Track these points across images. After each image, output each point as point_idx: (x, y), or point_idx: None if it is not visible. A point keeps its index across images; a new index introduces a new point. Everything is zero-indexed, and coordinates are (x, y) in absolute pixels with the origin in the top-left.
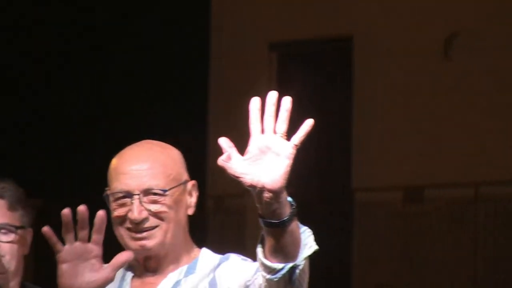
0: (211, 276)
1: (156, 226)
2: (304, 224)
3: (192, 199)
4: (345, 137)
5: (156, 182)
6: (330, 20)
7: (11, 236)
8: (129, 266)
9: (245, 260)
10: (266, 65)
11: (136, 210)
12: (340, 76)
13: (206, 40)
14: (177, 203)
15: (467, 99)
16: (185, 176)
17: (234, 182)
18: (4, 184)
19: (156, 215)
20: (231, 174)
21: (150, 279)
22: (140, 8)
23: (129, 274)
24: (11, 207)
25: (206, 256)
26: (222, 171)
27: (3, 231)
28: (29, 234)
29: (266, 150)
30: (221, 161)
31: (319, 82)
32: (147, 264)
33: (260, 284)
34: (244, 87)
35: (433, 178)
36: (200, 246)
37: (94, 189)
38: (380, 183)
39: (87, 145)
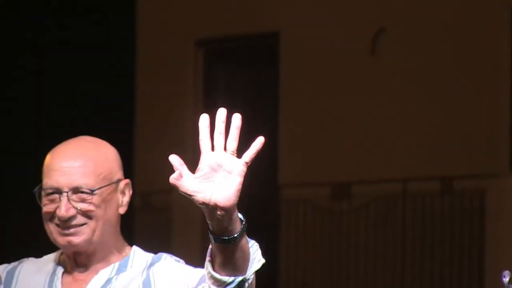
0: (144, 275)
1: (83, 224)
2: None
3: (125, 198)
4: (272, 133)
5: (85, 181)
6: (257, 16)
7: None
8: (60, 262)
9: (179, 261)
10: (193, 62)
11: (64, 207)
12: (266, 73)
13: (132, 37)
14: (106, 202)
15: (395, 96)
16: (118, 175)
17: (160, 178)
18: None
19: (84, 213)
20: (183, 192)
21: (80, 276)
22: (67, 3)
23: (60, 269)
24: None
25: (137, 254)
26: (148, 167)
27: None
28: None
29: (217, 167)
30: (172, 179)
31: (246, 78)
32: (77, 260)
33: None
34: (172, 84)
35: (361, 175)
36: (128, 243)
37: (31, 186)
38: (307, 179)
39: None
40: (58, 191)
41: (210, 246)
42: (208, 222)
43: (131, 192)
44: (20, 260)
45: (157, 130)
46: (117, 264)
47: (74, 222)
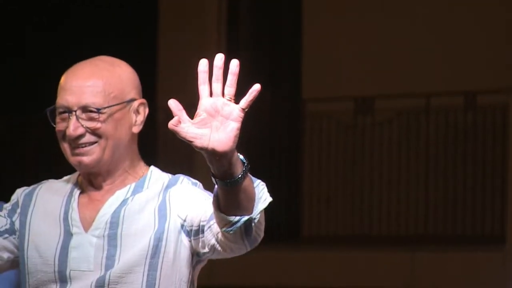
0: (160, 198)
1: (94, 143)
2: (255, 134)
3: (139, 118)
4: (295, 49)
5: (93, 100)
6: None
7: None
8: (77, 183)
9: (195, 184)
10: None
11: (72, 126)
12: None
13: None
14: (117, 121)
15: (420, 13)
16: (131, 94)
17: (184, 92)
18: None
19: (93, 132)
20: (182, 138)
21: (97, 196)
22: None
23: (77, 190)
24: None
25: (154, 175)
26: (172, 81)
27: None
28: None
29: (214, 113)
30: (171, 125)
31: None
32: (92, 181)
33: (218, 232)
34: (195, 19)
35: (384, 89)
36: (150, 158)
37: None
38: (331, 93)
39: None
40: (68, 110)
41: (214, 187)
42: (209, 165)
43: (146, 111)
44: (40, 183)
45: (180, 43)
46: (133, 185)
47: (83, 141)
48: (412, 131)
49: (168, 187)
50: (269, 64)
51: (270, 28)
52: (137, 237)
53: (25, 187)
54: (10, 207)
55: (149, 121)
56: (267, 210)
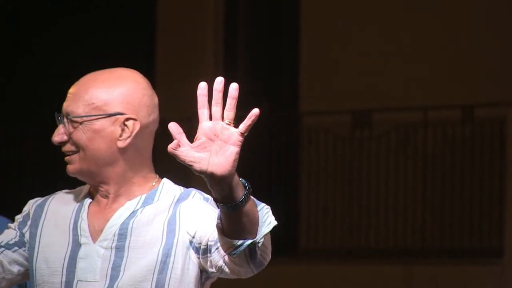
0: (170, 212)
1: (75, 152)
2: (253, 146)
3: (125, 133)
4: (293, 61)
5: (73, 108)
6: None
7: None
8: (88, 192)
9: (207, 200)
10: None
11: (56, 132)
12: (287, 2)
13: None
14: (96, 132)
15: (416, 23)
16: (118, 108)
17: (180, 105)
18: None
19: (72, 141)
20: (181, 161)
21: (105, 204)
22: None
23: (88, 200)
24: None
25: (166, 187)
26: (168, 94)
27: None
28: None
29: (213, 137)
30: (170, 148)
31: (266, 8)
32: (97, 188)
33: (225, 255)
34: (193, 12)
35: (382, 102)
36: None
37: None
38: (328, 107)
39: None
40: (61, 116)
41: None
42: (210, 189)
43: (136, 127)
44: (53, 194)
45: (178, 54)
46: (143, 196)
47: (64, 149)
48: (409, 144)
49: (179, 200)
50: (266, 77)
51: (267, 41)
52: (144, 249)
53: (37, 198)
54: (21, 219)
55: None
56: None
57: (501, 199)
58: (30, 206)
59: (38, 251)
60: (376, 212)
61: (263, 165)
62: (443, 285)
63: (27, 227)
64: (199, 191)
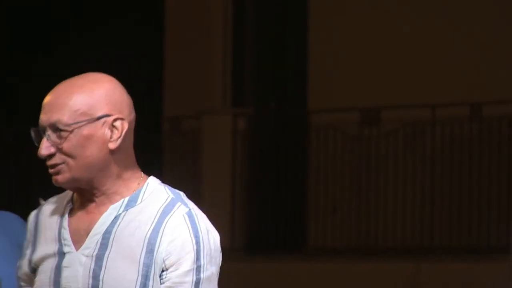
0: (153, 226)
1: (62, 163)
2: (260, 145)
3: (115, 133)
4: (301, 59)
5: (59, 117)
6: None
7: None
8: (72, 197)
9: (190, 214)
10: None
11: (43, 145)
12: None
13: None
14: (86, 138)
15: (426, 22)
16: (104, 110)
17: (189, 103)
18: None
19: (62, 151)
20: None
21: (91, 208)
22: None
23: (68, 208)
24: None
25: (150, 188)
26: (177, 92)
27: None
28: None
29: None
30: None
31: (277, 5)
32: (83, 196)
33: None
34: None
35: (390, 100)
36: (156, 166)
37: None
38: (337, 104)
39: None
40: (42, 129)
41: None
42: None
43: (125, 127)
44: (45, 202)
45: (185, 54)
46: (126, 199)
47: (52, 162)
48: (418, 141)
49: (164, 213)
50: (274, 76)
51: (275, 39)
52: (123, 263)
53: (34, 211)
54: (28, 242)
55: (156, 130)
56: (273, 221)
57: (509, 196)
58: (30, 222)
59: (37, 270)
60: (384, 210)
61: (271, 162)
62: (451, 282)
63: (30, 247)
64: (184, 202)
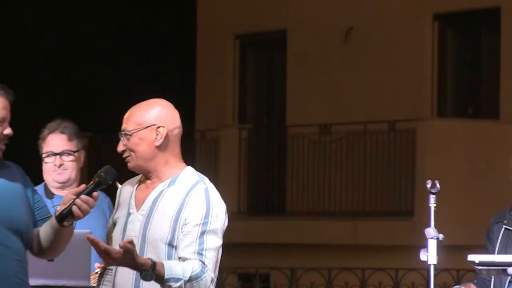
0: (183, 197)
1: (129, 155)
2: (256, 148)
3: (158, 136)
4: (281, 96)
5: (125, 126)
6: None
7: (71, 157)
8: (140, 179)
9: (206, 190)
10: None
11: (119, 144)
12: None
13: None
14: (140, 139)
15: (364, 60)
16: (152, 122)
17: (212, 119)
18: (64, 123)
19: (128, 147)
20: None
21: (149, 184)
22: None
23: (136, 184)
24: (70, 139)
25: (185, 173)
26: (205, 111)
27: (65, 154)
28: (82, 155)
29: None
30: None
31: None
32: (145, 175)
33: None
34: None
35: (338, 118)
36: (191, 161)
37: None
38: (305, 121)
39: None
40: (120, 134)
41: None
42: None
43: (164, 132)
44: (127, 181)
45: (215, 81)
46: (169, 180)
47: (124, 155)
48: (355, 147)
49: (190, 189)
50: (266, 100)
51: (269, 77)
52: (161, 221)
53: (119, 189)
54: (115, 207)
55: (187, 139)
56: (265, 195)
57: (412, 179)
58: (117, 196)
59: (115, 222)
60: (334, 187)
61: (264, 159)
62: (377, 235)
63: (114, 211)
64: (204, 181)
